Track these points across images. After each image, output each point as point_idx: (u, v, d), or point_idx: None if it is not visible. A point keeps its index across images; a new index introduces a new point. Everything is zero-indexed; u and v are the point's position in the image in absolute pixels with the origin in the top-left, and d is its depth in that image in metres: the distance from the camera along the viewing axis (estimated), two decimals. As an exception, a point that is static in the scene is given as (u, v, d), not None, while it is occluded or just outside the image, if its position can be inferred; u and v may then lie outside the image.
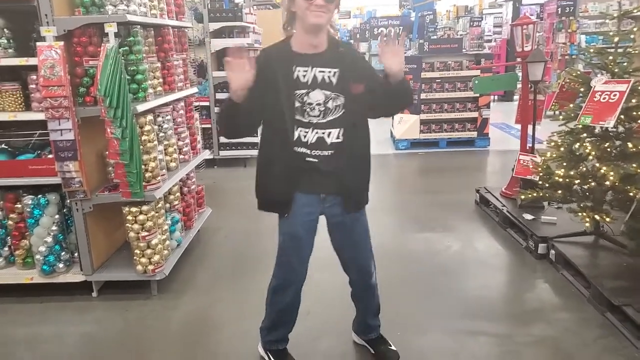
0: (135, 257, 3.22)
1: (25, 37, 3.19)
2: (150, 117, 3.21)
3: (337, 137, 2.04)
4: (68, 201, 3.13)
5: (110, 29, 2.90)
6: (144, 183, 3.09)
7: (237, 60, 1.85)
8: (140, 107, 3.05)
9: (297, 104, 2.00)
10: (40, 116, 2.94)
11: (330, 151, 2.05)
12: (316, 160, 2.05)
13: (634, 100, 3.13)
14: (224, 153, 6.67)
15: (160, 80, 3.52)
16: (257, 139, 7.22)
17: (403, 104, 2.20)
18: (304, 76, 1.98)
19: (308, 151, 2.04)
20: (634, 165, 3.08)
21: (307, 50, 1.98)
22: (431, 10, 10.43)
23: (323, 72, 1.98)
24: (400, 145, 7.33)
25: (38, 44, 2.82)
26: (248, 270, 3.63)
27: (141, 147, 3.08)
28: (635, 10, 3.40)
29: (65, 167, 2.98)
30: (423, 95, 7.15)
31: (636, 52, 3.28)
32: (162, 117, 3.50)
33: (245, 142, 6.62)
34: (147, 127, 3.16)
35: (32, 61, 2.90)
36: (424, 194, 5.41)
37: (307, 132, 2.02)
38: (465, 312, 2.96)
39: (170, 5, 3.78)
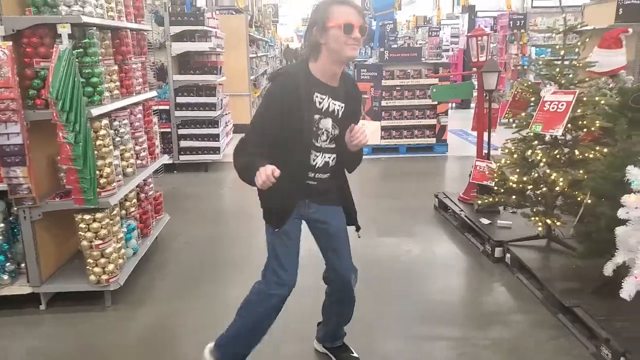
0: (88, 267, 3.09)
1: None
2: (105, 121, 3.11)
3: (334, 162, 2.17)
4: (15, 209, 2.99)
5: (64, 30, 2.80)
6: (98, 189, 2.99)
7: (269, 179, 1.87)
8: (95, 111, 2.95)
9: (314, 129, 2.06)
10: (-14, 119, 2.79)
11: (327, 174, 2.18)
12: (315, 183, 2.16)
13: (579, 110, 3.28)
14: (184, 158, 6.55)
15: (118, 83, 3.42)
16: (216, 144, 7.09)
17: (353, 164, 2.31)
18: (320, 103, 2.03)
19: (313, 174, 2.13)
20: (581, 171, 3.22)
21: (327, 81, 2.04)
22: (391, 20, 10.59)
23: (335, 104, 2.07)
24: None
25: (-16, 43, 2.69)
26: (209, 278, 3.56)
27: (95, 152, 2.98)
28: (579, 26, 3.58)
29: (12, 173, 2.84)
30: (384, 103, 7.26)
31: (580, 65, 3.44)
32: (119, 121, 3.40)
33: (207, 146, 6.52)
34: (102, 132, 3.06)
35: (-23, 61, 2.75)
36: (385, 198, 5.47)
37: (317, 156, 2.11)
38: (425, 316, 3.01)
39: (129, 8, 3.69)
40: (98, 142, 3.02)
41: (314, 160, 2.11)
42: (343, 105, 2.09)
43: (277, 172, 1.86)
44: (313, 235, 2.34)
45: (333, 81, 2.06)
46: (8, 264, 3.12)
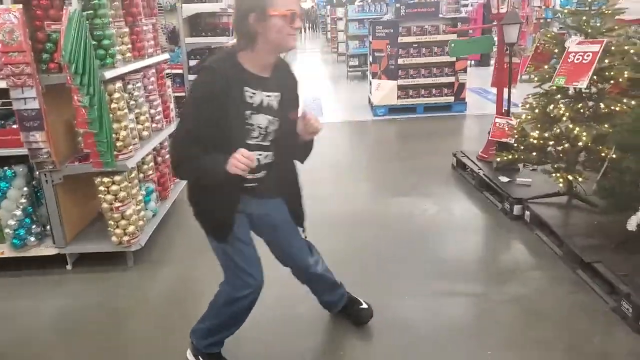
0: (109, 229, 3.16)
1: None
2: (119, 84, 3.09)
3: (271, 158, 2.00)
4: (37, 173, 3.03)
5: (72, -9, 2.76)
6: (115, 152, 3.01)
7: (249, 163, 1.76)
8: (109, 74, 2.94)
9: (245, 126, 1.89)
10: (2, 84, 2.80)
11: (263, 172, 2.01)
12: (254, 184, 2.00)
13: (606, 61, 3.15)
14: (199, 122, 6.53)
15: (129, 46, 3.39)
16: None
17: (305, 154, 2.12)
18: (251, 97, 1.86)
19: (249, 175, 1.93)
20: (606, 125, 3.12)
21: (259, 72, 1.86)
22: (408, -27, 10.24)
23: (269, 96, 1.90)
24: (378, 112, 7.29)
25: (-6, 7, 2.67)
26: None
27: (111, 115, 2.98)
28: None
29: (31, 138, 2.87)
30: (400, 61, 7.09)
31: (609, 12, 3.28)
32: (133, 85, 3.39)
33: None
34: (116, 95, 3.05)
35: (-11, 26, 2.74)
36: (402, 159, 5.42)
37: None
38: (442, 273, 3.01)
39: (137, -33, 3.60)
40: (113, 105, 3.02)
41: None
42: (279, 94, 1.92)
43: (253, 156, 1.76)
44: (256, 232, 2.17)
45: (265, 72, 1.88)
46: (34, 226, 3.20)
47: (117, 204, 3.09)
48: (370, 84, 7.57)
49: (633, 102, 3.01)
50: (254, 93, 1.85)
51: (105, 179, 3.06)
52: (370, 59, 7.73)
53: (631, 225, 2.36)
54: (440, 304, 2.72)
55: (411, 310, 2.66)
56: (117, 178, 3.07)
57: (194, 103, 1.84)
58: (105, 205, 3.11)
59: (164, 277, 3.13)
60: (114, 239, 3.16)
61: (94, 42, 2.88)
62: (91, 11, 2.93)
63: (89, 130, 2.88)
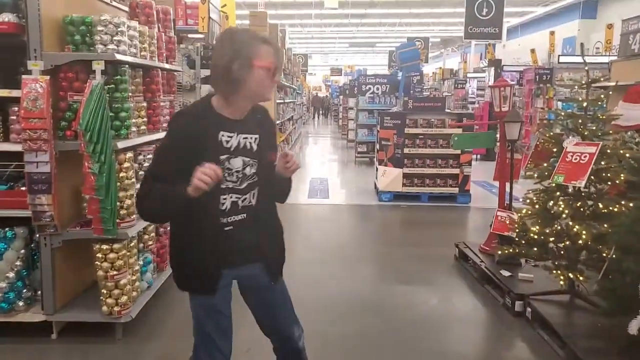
0: (101, 298, 3.10)
1: (12, 71, 3.21)
2: (130, 154, 3.20)
3: (249, 201, 1.95)
4: (37, 235, 3.05)
5: (98, 66, 2.95)
6: (117, 220, 3.04)
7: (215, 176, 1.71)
8: (121, 144, 3.05)
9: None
10: (18, 147, 2.91)
11: (242, 215, 1.94)
12: (232, 228, 1.92)
13: (603, 163, 3.23)
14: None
15: (145, 119, 3.55)
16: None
17: (284, 194, 2.08)
18: (228, 142, 1.85)
19: (225, 219, 1.90)
20: (605, 225, 3.13)
21: (234, 116, 1.86)
22: (418, 72, 10.83)
23: (246, 138, 1.89)
24: (383, 197, 7.37)
25: (24, 76, 2.85)
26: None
27: (118, 183, 3.06)
28: (601, 79, 3.59)
29: (37, 200, 2.93)
30: (406, 150, 7.28)
31: (604, 117, 3.42)
32: (144, 156, 3.50)
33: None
34: (126, 164, 3.14)
35: (15, 93, 2.91)
36: (405, 246, 5.39)
37: (225, 199, 1.89)
38: (439, 368, 2.89)
39: (161, 49, 3.87)
40: (121, 174, 3.10)
41: (222, 205, 1.88)
42: (257, 136, 1.91)
43: (219, 169, 1.70)
44: (243, 293, 2.09)
45: (240, 115, 1.88)
46: (25, 290, 3.15)
47: (113, 272, 3.07)
48: (377, 170, 7.73)
49: (631, 204, 3.04)
50: (230, 136, 1.85)
51: (104, 246, 3.06)
52: (377, 146, 7.95)
53: (632, 329, 2.28)
54: (435, 401, 2.58)
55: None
56: (116, 246, 3.08)
57: (163, 149, 1.87)
58: (100, 273, 3.08)
59: (153, 354, 3.02)
60: (104, 308, 3.10)
61: (111, 114, 3.02)
62: (113, 85, 3.12)
63: (95, 197, 2.93)
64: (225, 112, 1.85)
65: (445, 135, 7.21)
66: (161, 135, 3.77)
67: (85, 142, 2.84)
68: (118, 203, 3.05)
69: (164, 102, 3.88)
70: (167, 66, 3.95)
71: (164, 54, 3.93)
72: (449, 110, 7.69)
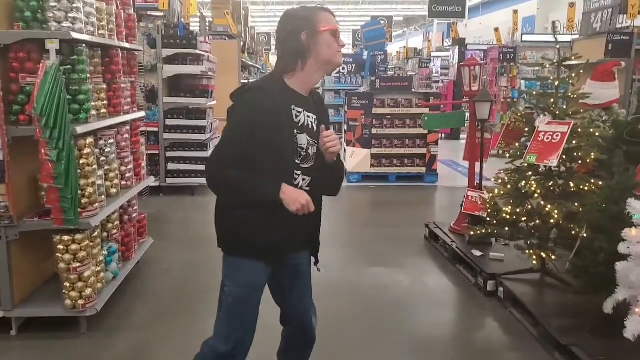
0: (64, 291, 2.94)
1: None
2: (90, 139, 3.01)
3: (307, 185, 1.91)
4: (-9, 228, 2.85)
5: (52, 45, 2.74)
6: (79, 209, 2.87)
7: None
8: (81, 129, 2.86)
9: (294, 146, 1.85)
10: (-35, 133, 2.68)
11: None
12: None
13: (574, 142, 3.26)
14: (171, 180, 6.42)
15: (105, 102, 3.34)
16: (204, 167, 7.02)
17: (337, 183, 2.03)
18: (297, 117, 1.85)
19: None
20: (576, 204, 3.18)
21: (302, 92, 1.87)
22: (382, 51, 10.74)
23: (309, 117, 1.89)
24: (351, 178, 7.35)
25: (-32, 56, 2.60)
26: (190, 307, 3.41)
27: (79, 170, 2.87)
28: (572, 58, 3.61)
29: (-11, 190, 2.72)
30: (374, 131, 7.25)
31: (574, 96, 3.45)
32: (105, 141, 3.31)
33: (195, 170, 6.40)
34: (86, 150, 2.95)
35: (-41, 74, 2.67)
36: (375, 227, 5.39)
37: (297, 175, 1.87)
38: (413, 350, 2.89)
39: (120, 27, 3.64)
40: (82, 161, 2.91)
41: (295, 180, 1.87)
42: (315, 117, 1.92)
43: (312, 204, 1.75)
44: (278, 277, 2.00)
45: (306, 92, 1.89)
46: (-21, 286, 2.95)
47: (76, 265, 2.90)
48: (345, 151, 7.68)
49: (600, 183, 3.09)
50: (299, 112, 1.85)
51: (65, 237, 2.89)
52: (345, 127, 7.89)
53: (607, 308, 2.33)
54: (414, 384, 2.58)
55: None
56: (78, 237, 2.91)
57: (237, 126, 1.81)
58: (62, 265, 2.91)
59: (120, 347, 2.89)
60: (67, 302, 2.93)
61: (68, 97, 2.82)
62: (69, 66, 2.90)
63: (54, 185, 2.75)
64: (296, 87, 1.85)
65: (413, 115, 7.21)
66: (122, 119, 3.57)
67: (41, 127, 2.64)
68: (79, 191, 2.87)
69: (124, 84, 3.66)
70: (127, 45, 3.72)
71: (124, 33, 3.70)
72: (415, 90, 7.67)
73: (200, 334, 2.89)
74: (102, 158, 3.28)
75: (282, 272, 2.00)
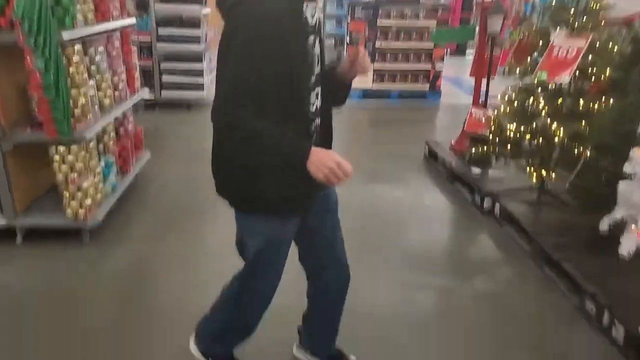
0: (64, 201, 2.95)
1: None
2: (79, 47, 2.86)
3: (319, 100, 1.57)
4: (-16, 139, 2.79)
5: (30, -60, 2.50)
6: (72, 121, 2.79)
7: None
8: (67, 35, 2.70)
9: (310, 57, 1.47)
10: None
11: (317, 119, 1.59)
12: (315, 136, 1.60)
13: (590, 58, 3.10)
14: (166, 94, 6.26)
15: (92, 7, 3.13)
16: (200, 80, 6.80)
17: (344, 94, 1.71)
18: (313, 16, 1.44)
19: (312, 125, 1.56)
20: (583, 123, 3.09)
21: None
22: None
23: (318, 11, 1.50)
24: (353, 95, 7.16)
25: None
26: (189, 220, 3.45)
27: (69, 80, 2.75)
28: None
29: (-23, 100, 2.62)
30: (378, 44, 6.95)
31: (596, 8, 3.23)
32: (94, 49, 3.15)
33: (190, 82, 6.23)
34: (75, 59, 2.81)
35: None
36: (374, 145, 5.34)
37: (315, 99, 1.53)
38: (412, 265, 2.95)
39: None
40: (71, 70, 2.79)
41: (312, 104, 1.53)
42: (320, 6, 1.61)
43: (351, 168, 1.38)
44: (309, 218, 1.71)
45: None
46: (-22, 197, 2.95)
47: (73, 176, 2.88)
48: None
49: (611, 103, 2.99)
50: (314, 8, 1.45)
51: (61, 149, 2.84)
52: (347, 40, 7.56)
53: (603, 226, 2.34)
54: (408, 296, 2.66)
55: (379, 301, 2.59)
56: (74, 148, 2.86)
57: (258, 41, 1.35)
58: (60, 176, 2.89)
59: (122, 257, 2.95)
60: (68, 212, 2.95)
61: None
62: (50, -36, 2.68)
63: (44, 96, 2.65)
64: None
65: (420, 29, 6.88)
66: (111, 25, 3.37)
67: (24, 33, 2.49)
68: (71, 102, 2.77)
69: (112, -13, 3.42)
70: (113, -58, 3.43)
71: None
72: (423, 2, 7.26)
73: (200, 244, 2.95)
74: (93, 67, 3.14)
75: (313, 224, 1.73)
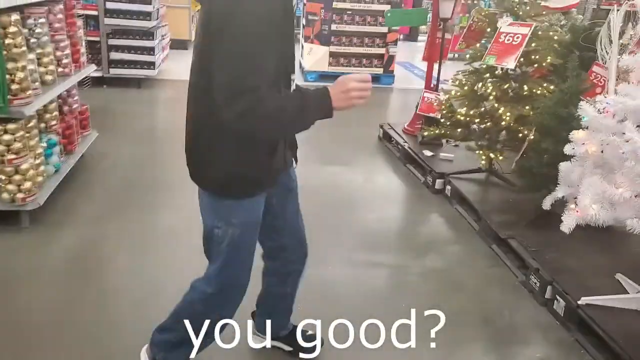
0: (0, 184, 2.78)
1: None
2: (16, 16, 2.68)
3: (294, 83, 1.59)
4: None
5: None
6: (9, 97, 2.62)
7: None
8: (2, 2, 2.52)
9: (293, 40, 1.49)
10: None
11: None
12: None
13: (533, 45, 3.22)
14: (115, 71, 6.00)
15: (31, -26, 2.94)
16: (151, 58, 6.56)
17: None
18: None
19: None
20: (527, 107, 3.22)
21: None
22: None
23: None
24: (309, 77, 7.13)
25: None
26: (137, 202, 3.33)
27: (5, 52, 2.58)
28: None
29: None
30: (334, 27, 6.93)
31: None
32: (34, 20, 2.96)
33: (140, 60, 5.99)
34: (12, 29, 2.64)
35: None
36: (328, 127, 5.28)
37: (294, 78, 1.55)
38: (365, 244, 3.00)
39: None
40: (7, 41, 2.61)
41: (293, 85, 1.55)
42: None
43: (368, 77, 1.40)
44: (273, 204, 1.70)
45: None
46: None
47: (11, 156, 2.72)
48: (302, 47, 7.36)
49: (552, 87, 3.12)
50: None
51: (-4, 126, 2.67)
52: (303, 21, 7.49)
53: (546, 204, 2.45)
54: (361, 273, 2.71)
55: (333, 278, 2.62)
56: (10, 126, 2.69)
57: (262, 22, 1.29)
58: (-5, 156, 2.72)
59: (65, 241, 2.82)
60: (4, 195, 2.79)
61: (-16, -37, 2.45)
62: None
63: (-23, 68, 2.48)
64: None
65: (374, 12, 6.90)
66: (53, -5, 3.18)
67: (-48, -2, 2.30)
68: (7, 76, 2.60)
69: (53, -46, 3.22)
70: None
71: None
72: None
73: (150, 228, 2.87)
74: (33, 40, 2.96)
75: (277, 198, 1.72)
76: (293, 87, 1.55)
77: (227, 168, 1.51)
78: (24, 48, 2.73)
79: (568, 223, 1.96)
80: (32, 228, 2.88)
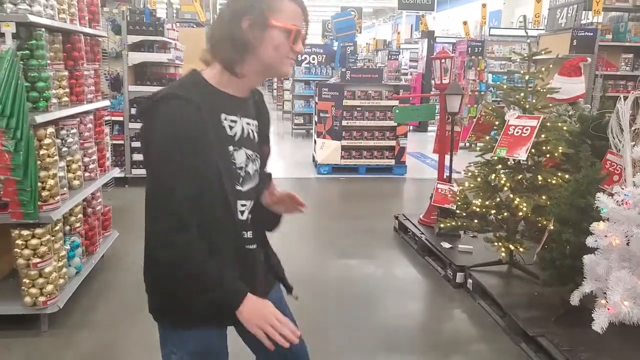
0: (23, 288, 2.80)
1: None
2: (51, 129, 2.87)
3: (250, 212, 1.49)
4: (-58, 222, 2.68)
5: (8, 29, 2.59)
6: (39, 202, 2.73)
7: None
8: (40, 118, 2.72)
9: (233, 167, 1.40)
10: None
11: (252, 229, 1.51)
12: (255, 246, 1.51)
13: (543, 136, 3.32)
14: (137, 172, 6.23)
15: (67, 90, 3.19)
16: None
17: (274, 224, 1.64)
18: (232, 128, 1.39)
19: (247, 233, 1.48)
20: (544, 197, 3.24)
21: (239, 93, 1.41)
22: (352, 42, 10.72)
23: (249, 124, 1.45)
24: (322, 170, 7.32)
25: None
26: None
27: (39, 162, 2.73)
28: (542, 52, 3.67)
29: (-60, 183, 2.55)
30: (344, 122, 7.24)
31: (544, 91, 3.51)
32: (67, 130, 3.16)
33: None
34: (47, 141, 2.81)
35: None
36: (344, 219, 5.38)
37: (243, 207, 1.45)
38: (384, 343, 2.90)
39: (83, 12, 3.48)
40: (42, 152, 2.78)
41: (242, 213, 1.44)
42: (256, 123, 1.49)
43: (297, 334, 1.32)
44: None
45: (244, 93, 1.43)
46: None
47: (36, 260, 2.77)
48: (315, 142, 7.64)
49: (567, 176, 3.16)
50: (234, 121, 1.39)
51: (25, 232, 2.75)
52: (315, 118, 7.85)
53: (574, 300, 2.38)
54: (386, 377, 2.59)
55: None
56: (38, 231, 2.77)
57: (175, 149, 1.28)
58: (21, 261, 2.77)
59: (84, 345, 2.79)
60: (27, 299, 2.80)
61: (27, 84, 2.68)
62: (27, 51, 2.75)
63: (11, 177, 2.61)
64: (229, 89, 1.38)
65: (383, 107, 7.23)
66: (85, 107, 3.42)
67: (-4, 115, 2.49)
68: (39, 183, 2.73)
69: (87, 71, 3.51)
70: (89, 31, 3.56)
71: (86, 17, 3.54)
72: (385, 82, 7.69)
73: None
74: (64, 149, 3.13)
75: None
76: (245, 212, 1.46)
77: (164, 290, 1.45)
78: (56, 157, 2.90)
79: (600, 322, 1.90)
80: (51, 332, 2.86)
